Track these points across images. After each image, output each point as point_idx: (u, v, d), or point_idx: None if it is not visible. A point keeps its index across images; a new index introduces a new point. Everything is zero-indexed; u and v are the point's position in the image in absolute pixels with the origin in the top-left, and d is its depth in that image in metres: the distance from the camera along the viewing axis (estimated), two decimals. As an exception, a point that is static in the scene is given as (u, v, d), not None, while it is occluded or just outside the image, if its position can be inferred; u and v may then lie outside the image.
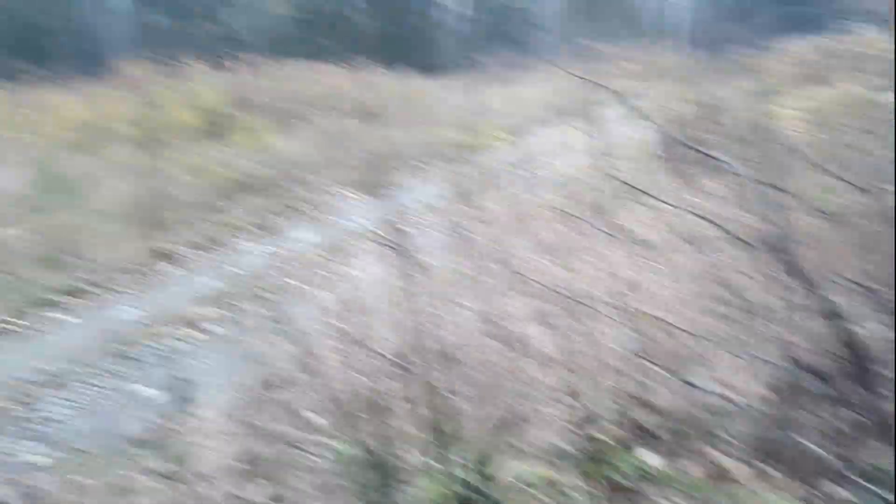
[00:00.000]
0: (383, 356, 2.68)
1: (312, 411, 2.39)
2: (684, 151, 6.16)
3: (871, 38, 8.24)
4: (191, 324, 4.16)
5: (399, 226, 6.36)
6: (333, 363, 2.73)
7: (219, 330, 4.14)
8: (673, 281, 3.33)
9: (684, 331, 2.60)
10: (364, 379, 2.46)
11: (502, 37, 21.30)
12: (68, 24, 17.61)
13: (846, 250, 2.37)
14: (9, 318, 4.25)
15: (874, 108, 4.54)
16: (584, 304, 2.82)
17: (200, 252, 5.58)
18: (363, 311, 3.23)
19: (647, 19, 26.40)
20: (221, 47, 17.26)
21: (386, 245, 5.91)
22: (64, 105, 9.06)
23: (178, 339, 3.99)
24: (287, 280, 4.85)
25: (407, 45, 20.57)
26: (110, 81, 11.03)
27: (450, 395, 2.44)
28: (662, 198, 5.41)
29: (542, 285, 3.25)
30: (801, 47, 12.95)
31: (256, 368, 2.93)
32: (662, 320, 2.69)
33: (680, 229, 3.97)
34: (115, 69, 11.60)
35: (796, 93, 8.75)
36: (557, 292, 3.41)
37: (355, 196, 7.63)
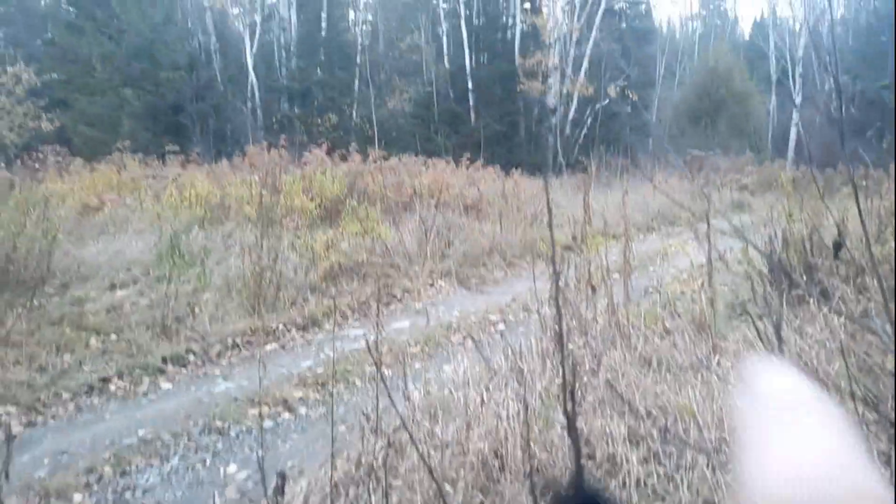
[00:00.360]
0: (468, 461, 2.64)
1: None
2: (793, 273, 5.91)
3: None
4: (284, 403, 4.25)
5: (493, 323, 6.36)
6: (417, 461, 2.71)
7: (311, 412, 4.21)
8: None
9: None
10: (447, 486, 2.42)
11: (610, 141, 21.51)
12: (208, 110, 19.31)
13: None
14: (119, 382, 4.51)
15: None
16: (678, 440, 2.68)
17: (302, 332, 5.77)
18: (450, 411, 3.21)
19: (760, 132, 26.02)
20: (342, 138, 18.43)
21: (477, 342, 5.90)
22: (196, 182, 9.83)
23: (270, 418, 4.08)
24: (376, 368, 4.91)
25: (514, 145, 21.15)
26: (238, 164, 11.95)
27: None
28: (769, 321, 5.16)
29: (638, 406, 3.13)
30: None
31: (345, 457, 2.94)
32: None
33: (786, 356, 3.75)
34: (245, 153, 12.60)
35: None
36: (650, 414, 3.27)
37: (451, 288, 7.74)
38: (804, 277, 5.62)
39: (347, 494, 2.47)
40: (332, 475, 2.32)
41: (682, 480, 2.74)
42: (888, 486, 0.29)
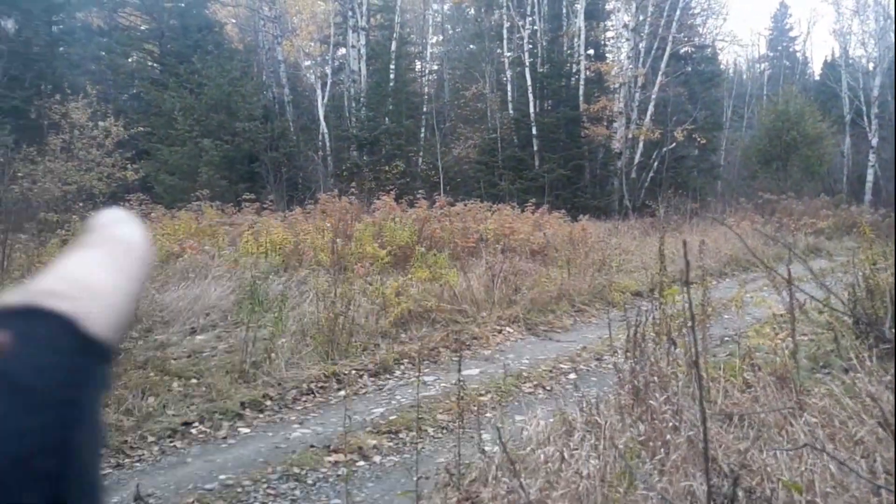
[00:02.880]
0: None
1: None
2: (878, 323, 5.65)
3: None
4: (359, 451, 4.30)
5: (564, 372, 6.29)
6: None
7: (385, 461, 4.24)
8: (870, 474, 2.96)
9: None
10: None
11: (677, 184, 21.20)
12: (282, 159, 20.05)
13: None
14: (200, 426, 4.66)
15: None
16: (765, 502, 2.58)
17: (374, 378, 5.84)
18: (527, 469, 3.18)
19: (834, 174, 25.22)
20: (408, 185, 18.80)
21: (550, 391, 5.82)
22: (271, 229, 10.18)
23: (343, 465, 4.13)
24: (449, 417, 4.91)
25: (579, 189, 21.10)
26: (311, 211, 12.33)
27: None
28: (854, 374, 4.94)
29: (721, 465, 3.03)
30: None
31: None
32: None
33: (876, 413, 3.58)
34: (316, 200, 13.00)
35: None
36: (733, 472, 3.16)
37: (519, 334, 7.71)
38: (893, 330, 5.36)
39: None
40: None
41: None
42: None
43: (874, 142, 23.88)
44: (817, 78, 39.31)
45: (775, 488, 3.01)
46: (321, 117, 22.28)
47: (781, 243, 12.55)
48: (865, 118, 24.64)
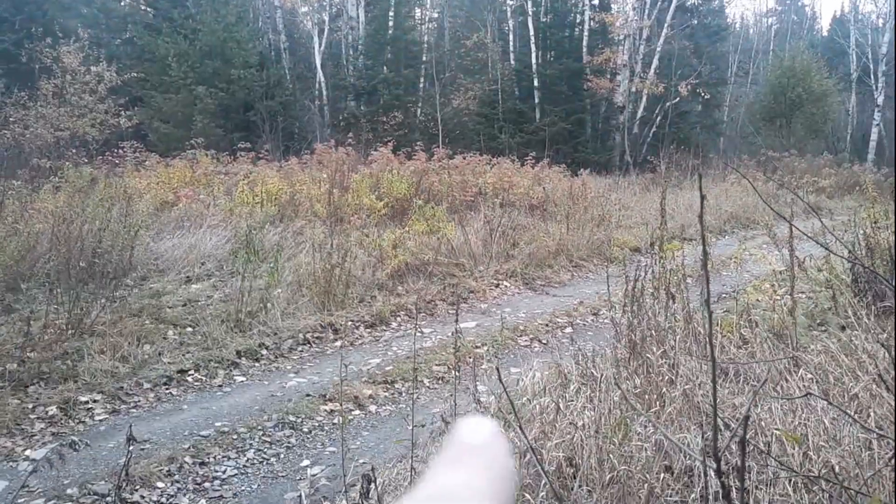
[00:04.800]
0: (544, 470, 2.60)
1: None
2: (876, 281, 5.62)
3: None
4: (354, 400, 4.30)
5: (560, 326, 6.28)
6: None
7: (380, 410, 4.25)
8: (863, 430, 2.95)
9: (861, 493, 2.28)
10: (527, 495, 2.39)
11: (680, 140, 20.99)
12: (278, 108, 19.75)
13: None
14: (196, 374, 4.65)
15: None
16: (760, 454, 2.57)
17: (369, 329, 5.83)
18: (522, 420, 3.17)
19: (839, 132, 24.96)
20: (407, 136, 18.57)
21: (546, 345, 5.83)
22: (267, 179, 10.06)
23: (339, 414, 4.14)
24: (445, 368, 4.92)
25: (580, 144, 20.87)
26: (307, 161, 12.18)
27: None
28: (851, 331, 4.93)
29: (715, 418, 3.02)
30: None
31: (419, 458, 2.94)
32: (840, 483, 2.37)
33: (872, 370, 3.57)
34: (313, 151, 12.85)
35: None
36: (729, 426, 3.16)
37: (517, 289, 7.69)
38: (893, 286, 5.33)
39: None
40: (410, 474, 2.32)
41: (763, 496, 2.64)
42: None
43: (880, 100, 23.58)
44: (825, 34, 38.59)
45: (769, 441, 3.01)
46: (318, 65, 21.86)
47: (785, 199, 12.49)
48: (872, 76, 24.27)
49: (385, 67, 22.30)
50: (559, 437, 2.76)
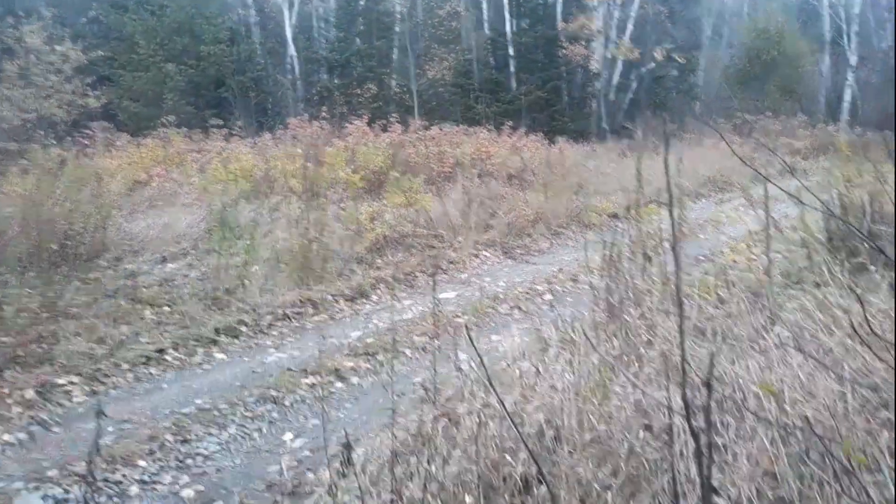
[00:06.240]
0: (521, 433, 2.61)
1: (453, 483, 2.35)
2: (850, 239, 5.69)
3: None
4: (333, 373, 4.30)
5: (540, 293, 6.30)
6: (471, 433, 2.69)
7: (362, 382, 4.25)
8: (836, 381, 2.99)
9: (852, 447, 2.32)
10: (508, 457, 2.40)
11: (656, 105, 20.98)
12: (249, 84, 19.43)
13: None
14: (175, 353, 4.61)
15: None
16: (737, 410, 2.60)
17: (348, 303, 5.81)
18: (503, 385, 3.18)
19: (814, 94, 25.09)
20: (382, 108, 18.36)
21: (526, 312, 5.84)
22: (241, 156, 9.92)
23: (320, 387, 4.13)
24: (426, 339, 4.92)
25: (557, 112, 20.79)
26: (281, 136, 12.01)
27: (594, 485, 2.33)
28: (828, 288, 4.99)
29: (694, 377, 3.06)
30: None
31: (402, 427, 2.95)
32: (820, 436, 2.41)
33: (846, 324, 3.62)
34: (285, 125, 12.67)
35: None
36: (707, 385, 3.19)
37: (496, 258, 7.70)
38: (865, 245, 5.40)
39: (406, 464, 2.48)
40: (392, 443, 2.32)
41: (741, 450, 2.68)
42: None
43: (853, 61, 23.68)
44: (798, -5, 38.58)
45: (745, 397, 3.05)
46: (289, 39, 21.47)
47: (760, 162, 12.55)
48: (846, 36, 24.34)
49: (358, 39, 21.96)
50: (539, 400, 2.77)
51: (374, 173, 9.59)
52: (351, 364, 4.42)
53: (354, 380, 4.27)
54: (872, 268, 5.00)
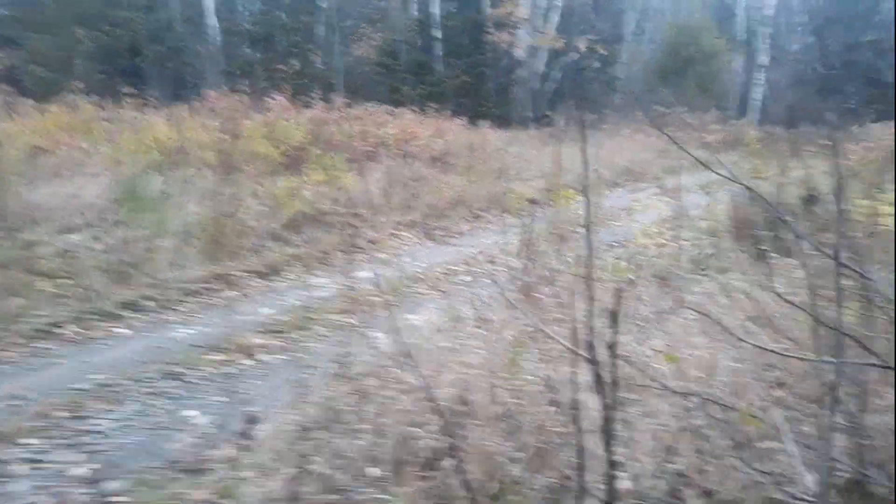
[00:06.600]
0: (436, 408, 2.61)
1: (361, 457, 2.32)
2: (758, 228, 5.99)
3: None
4: (243, 349, 4.18)
5: (458, 274, 6.33)
6: (382, 408, 2.67)
7: (270, 359, 4.15)
8: (736, 362, 3.14)
9: (750, 416, 2.44)
10: (419, 430, 2.40)
11: (577, 96, 21.38)
12: (167, 53, 18.61)
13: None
14: (73, 327, 4.38)
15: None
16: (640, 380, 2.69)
17: (262, 280, 5.67)
18: (417, 360, 3.17)
19: (727, 91, 26.15)
20: (305, 85, 17.93)
21: (444, 292, 5.86)
22: (154, 126, 9.49)
23: (229, 364, 4.01)
24: (341, 317, 4.85)
25: (482, 97, 20.88)
26: (198, 108, 11.55)
27: (502, 458, 2.35)
28: (732, 274, 5.23)
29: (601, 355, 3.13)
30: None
31: (312, 402, 2.89)
32: (721, 403, 2.52)
33: (748, 308, 3.80)
34: (203, 97, 12.18)
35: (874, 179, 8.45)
36: (615, 363, 3.28)
37: (416, 239, 7.68)
38: (769, 233, 5.69)
39: (314, 439, 2.44)
40: (300, 418, 2.27)
41: (645, 426, 2.77)
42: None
43: (765, 60, 24.74)
44: (717, -5, 40.03)
45: (653, 376, 3.16)
46: (211, 9, 20.64)
47: (675, 154, 12.99)
48: (759, 36, 25.40)
49: (283, 14, 21.35)
50: (453, 375, 2.78)
51: (295, 149, 9.36)
52: (262, 341, 4.32)
53: (265, 357, 4.17)
54: (774, 255, 5.26)
